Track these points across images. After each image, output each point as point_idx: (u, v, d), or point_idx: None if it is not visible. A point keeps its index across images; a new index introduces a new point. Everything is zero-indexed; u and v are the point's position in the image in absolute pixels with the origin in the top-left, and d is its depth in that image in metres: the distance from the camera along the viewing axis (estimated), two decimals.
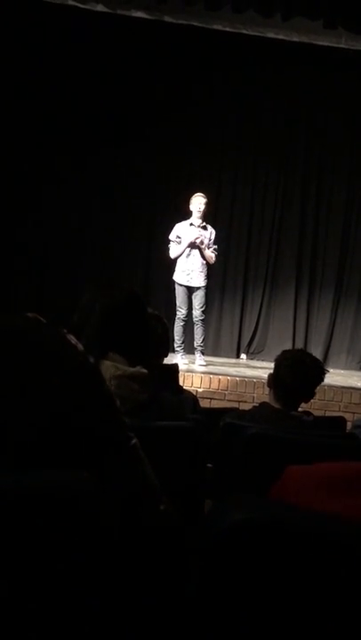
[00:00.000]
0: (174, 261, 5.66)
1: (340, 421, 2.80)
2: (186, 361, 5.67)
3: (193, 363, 5.74)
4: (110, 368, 1.39)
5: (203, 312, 5.69)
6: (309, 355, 2.51)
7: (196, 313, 5.66)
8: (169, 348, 2.39)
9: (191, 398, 2.47)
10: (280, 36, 6.21)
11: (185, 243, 5.55)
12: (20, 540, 0.59)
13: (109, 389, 0.84)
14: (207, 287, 5.74)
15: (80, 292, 1.59)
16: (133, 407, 1.37)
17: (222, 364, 6.23)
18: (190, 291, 5.65)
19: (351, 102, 7.11)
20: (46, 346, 0.78)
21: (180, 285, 5.63)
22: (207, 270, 5.70)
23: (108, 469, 0.78)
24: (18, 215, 6.60)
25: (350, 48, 6.26)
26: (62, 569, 0.59)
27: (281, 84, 7.02)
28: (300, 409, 2.42)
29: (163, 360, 2.35)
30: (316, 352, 6.68)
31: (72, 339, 0.81)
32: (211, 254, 5.66)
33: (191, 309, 5.67)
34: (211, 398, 4.96)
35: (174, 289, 5.78)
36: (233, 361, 6.73)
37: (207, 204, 5.71)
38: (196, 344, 5.81)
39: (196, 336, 5.77)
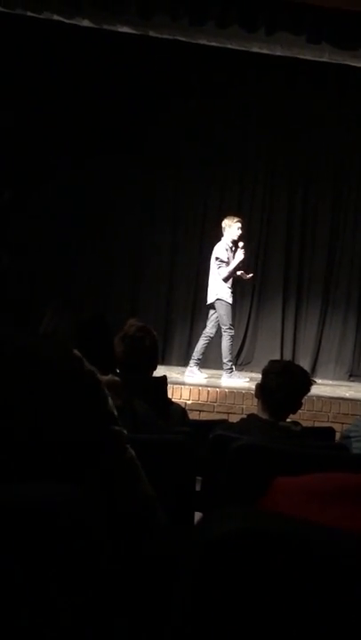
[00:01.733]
0: (225, 281, 5.90)
1: (330, 432, 2.81)
2: (243, 378, 5.80)
3: (248, 380, 5.77)
4: None
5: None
6: (296, 365, 2.52)
7: (213, 330, 5.94)
8: (158, 361, 2.38)
9: (180, 410, 2.46)
10: (264, 51, 6.28)
11: (234, 264, 5.85)
12: (7, 553, 0.59)
13: (111, 405, 0.86)
14: None
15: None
16: None
17: (211, 376, 6.23)
18: (232, 309, 5.97)
19: (337, 114, 7.21)
20: (53, 361, 0.80)
21: (229, 304, 5.88)
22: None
23: (105, 481, 0.79)
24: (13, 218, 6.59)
25: (334, 62, 6.35)
26: (51, 579, 0.58)
27: (266, 97, 7.11)
28: (288, 419, 2.42)
29: (152, 372, 2.34)
30: (305, 363, 6.70)
31: (77, 354, 0.83)
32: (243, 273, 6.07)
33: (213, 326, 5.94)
34: (200, 410, 4.95)
35: (210, 307, 6.02)
36: (221, 372, 6.73)
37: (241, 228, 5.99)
38: (195, 356, 6.00)
39: (199, 349, 6.00)
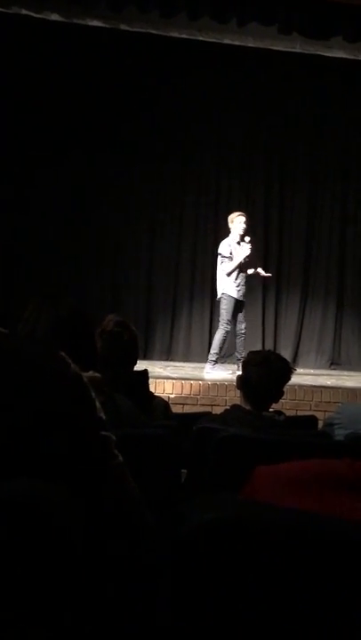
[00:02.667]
0: (215, 276, 5.97)
1: (312, 420, 2.82)
2: (227, 371, 5.82)
3: (234, 373, 5.79)
4: None
5: (246, 323, 6.02)
6: (276, 354, 2.53)
7: (243, 325, 5.95)
8: (137, 355, 2.37)
9: (162, 404, 2.46)
10: (236, 42, 6.28)
11: (238, 259, 5.80)
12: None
13: (99, 409, 0.86)
14: None
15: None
16: None
17: (193, 369, 6.23)
18: (238, 304, 5.89)
19: (313, 108, 7.25)
20: (38, 365, 0.79)
21: (235, 299, 5.84)
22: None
23: (93, 487, 0.79)
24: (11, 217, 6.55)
25: (306, 53, 6.37)
26: (28, 577, 0.57)
27: (241, 89, 7.10)
28: (271, 409, 2.43)
29: (132, 367, 2.33)
30: (286, 353, 6.74)
31: (66, 358, 0.83)
32: (262, 272, 6.13)
33: (236, 322, 5.92)
34: (183, 404, 4.94)
35: (215, 302, 6.09)
36: (203, 365, 6.74)
37: (246, 222, 5.97)
38: (239, 356, 5.87)
39: (238, 347, 5.96)
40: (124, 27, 6.16)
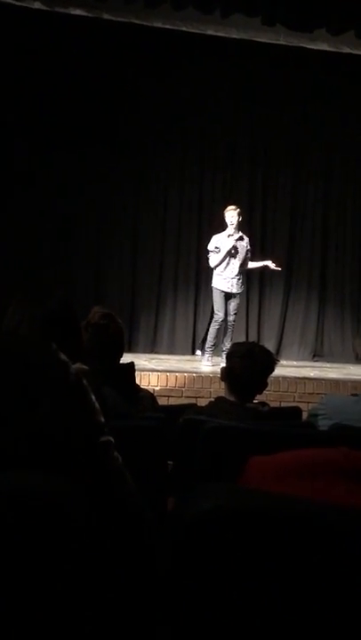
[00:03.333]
0: (208, 270, 6.05)
1: (296, 411, 2.85)
2: (210, 363, 5.90)
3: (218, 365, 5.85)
4: None
5: (235, 317, 6.07)
6: (259, 346, 2.56)
7: (231, 318, 6.02)
8: (123, 347, 2.37)
9: (148, 396, 2.46)
10: (220, 33, 6.25)
11: (223, 252, 5.88)
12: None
13: (98, 411, 0.86)
14: (241, 294, 6.17)
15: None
16: None
17: (178, 361, 6.24)
18: (228, 297, 5.97)
19: (297, 99, 7.25)
20: (36, 362, 0.80)
21: (221, 291, 5.95)
22: (244, 278, 6.12)
23: (87, 472, 0.79)
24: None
25: (290, 45, 6.37)
26: (44, 568, 0.58)
27: (224, 81, 7.08)
28: (255, 400, 2.45)
29: (118, 359, 2.33)
30: (269, 345, 6.77)
31: (61, 355, 0.83)
32: (254, 264, 6.14)
33: (226, 314, 5.99)
34: (168, 396, 4.96)
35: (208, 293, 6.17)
36: (188, 357, 6.76)
37: (240, 214, 6.02)
38: (224, 347, 5.96)
39: (225, 339, 6.02)
40: (107, 16, 6.10)
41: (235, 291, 5.96)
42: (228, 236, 5.91)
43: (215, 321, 6.02)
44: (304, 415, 2.99)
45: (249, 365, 2.33)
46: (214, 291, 6.00)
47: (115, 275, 7.06)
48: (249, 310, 7.34)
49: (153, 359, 6.34)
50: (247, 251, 6.03)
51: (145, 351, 6.88)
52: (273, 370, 2.45)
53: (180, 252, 7.19)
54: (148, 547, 0.77)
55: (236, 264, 5.93)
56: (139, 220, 7.14)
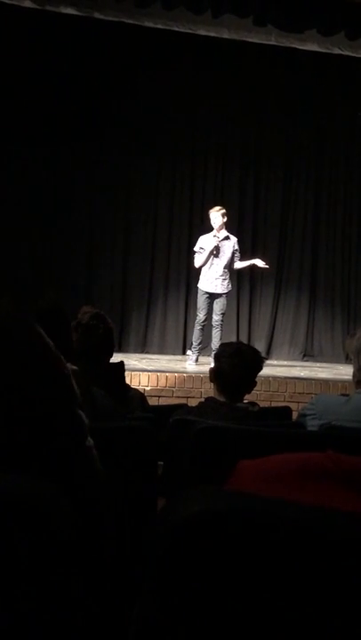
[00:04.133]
0: (198, 270, 6.03)
1: (286, 411, 2.86)
2: (193, 363, 5.94)
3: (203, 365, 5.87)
4: None
5: (221, 317, 6.02)
6: (247, 345, 2.56)
7: (217, 317, 5.99)
8: (113, 348, 2.36)
9: (138, 396, 2.46)
10: (211, 34, 6.25)
11: (207, 252, 5.89)
12: None
13: (73, 386, 0.84)
14: (228, 294, 6.11)
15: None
16: None
17: (168, 361, 6.24)
18: (213, 297, 5.97)
19: (288, 99, 7.27)
20: (12, 339, 0.77)
21: (204, 292, 5.96)
22: (229, 278, 6.06)
23: (64, 468, 0.77)
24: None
25: (280, 45, 6.38)
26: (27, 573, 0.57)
27: (215, 81, 7.09)
28: (246, 400, 2.45)
29: (108, 359, 2.32)
30: (260, 345, 6.81)
31: (41, 331, 0.80)
32: (239, 263, 6.10)
33: (210, 314, 6.00)
34: (159, 396, 4.95)
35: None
36: (179, 357, 6.76)
37: (225, 215, 6.01)
38: (213, 347, 5.93)
39: (213, 339, 6.00)
40: (98, 15, 6.07)
41: (219, 291, 5.94)
42: (214, 236, 5.92)
43: (197, 322, 6.04)
44: (294, 415, 3.00)
45: (237, 365, 2.33)
46: (198, 291, 6.03)
47: (106, 274, 7.05)
48: (239, 310, 7.35)
49: (143, 359, 6.33)
50: (234, 251, 6.01)
51: (136, 351, 6.87)
52: (261, 368, 2.45)
53: (171, 253, 7.19)
54: (106, 540, 0.76)
55: (220, 264, 5.91)
56: (130, 220, 7.13)
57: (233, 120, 7.32)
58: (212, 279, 5.91)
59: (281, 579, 0.50)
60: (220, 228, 5.92)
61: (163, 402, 4.79)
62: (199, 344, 6.06)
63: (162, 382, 5.12)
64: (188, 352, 6.46)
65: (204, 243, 5.94)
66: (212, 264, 5.90)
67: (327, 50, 6.43)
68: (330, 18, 5.79)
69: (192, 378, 5.19)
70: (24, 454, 0.74)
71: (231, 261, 5.99)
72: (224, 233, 5.95)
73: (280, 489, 0.64)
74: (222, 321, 6.05)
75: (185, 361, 6.45)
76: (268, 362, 2.84)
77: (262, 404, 3.16)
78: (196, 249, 6.02)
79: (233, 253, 6.00)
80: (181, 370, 5.60)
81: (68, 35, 6.42)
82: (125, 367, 2.46)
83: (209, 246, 5.88)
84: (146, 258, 7.17)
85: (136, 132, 6.96)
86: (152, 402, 3.98)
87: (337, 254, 7.66)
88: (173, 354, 6.93)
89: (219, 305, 5.96)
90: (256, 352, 2.47)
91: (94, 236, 6.99)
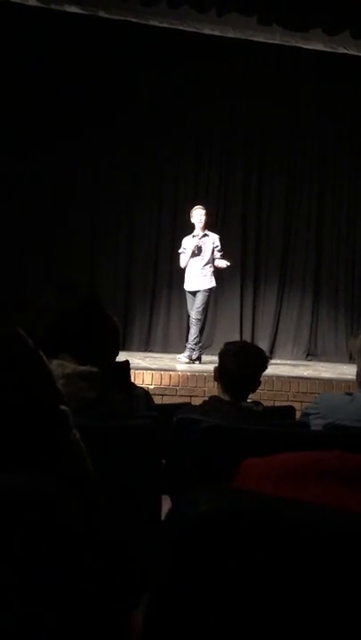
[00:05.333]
0: (184, 271, 6.03)
1: (290, 410, 2.85)
2: (185, 359, 5.97)
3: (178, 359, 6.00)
4: (58, 367, 1.37)
5: (199, 312, 5.98)
6: (251, 344, 2.56)
7: (193, 313, 5.99)
8: (119, 346, 2.37)
9: (143, 394, 2.46)
10: (216, 32, 6.25)
11: (188, 252, 5.93)
12: None
13: (55, 382, 0.84)
14: (210, 290, 6.04)
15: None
16: (81, 406, 1.36)
17: (172, 360, 6.24)
18: (194, 294, 5.98)
19: (294, 96, 7.26)
20: None
21: (187, 292, 6.02)
22: (210, 275, 5.99)
23: (51, 462, 0.78)
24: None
25: (285, 44, 6.37)
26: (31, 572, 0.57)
27: (220, 79, 7.08)
28: (249, 399, 2.45)
29: (114, 358, 2.32)
30: (263, 344, 6.80)
31: (20, 331, 0.80)
32: (221, 261, 6.02)
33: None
34: (162, 395, 4.96)
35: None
36: (179, 356, 6.75)
37: (207, 215, 6.03)
38: (187, 342, 6.09)
39: (189, 335, 6.06)
40: (102, 14, 6.08)
41: (198, 287, 5.93)
42: (193, 236, 5.95)
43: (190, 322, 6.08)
44: (298, 414, 2.99)
45: (242, 364, 2.32)
46: (185, 292, 6.07)
47: (109, 273, 7.05)
48: (243, 309, 7.35)
49: (147, 357, 6.34)
50: (214, 247, 5.98)
51: (139, 350, 6.88)
52: (266, 368, 2.45)
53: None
54: (97, 533, 0.76)
55: (198, 262, 5.93)
56: (133, 219, 7.13)
57: (237, 119, 7.31)
58: (192, 277, 5.95)
59: (288, 578, 0.50)
60: (202, 227, 5.93)
61: (166, 400, 4.79)
62: (196, 344, 6.07)
63: (165, 381, 5.13)
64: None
65: (186, 243, 5.99)
66: (191, 263, 5.94)
67: (332, 49, 6.42)
68: (335, 17, 5.78)
69: (195, 377, 5.19)
70: (7, 451, 0.74)
71: (212, 258, 5.97)
72: (202, 232, 5.94)
73: (286, 487, 0.64)
74: (199, 318, 5.99)
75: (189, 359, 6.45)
76: (271, 361, 2.84)
77: (266, 404, 3.16)
78: (180, 250, 6.07)
79: (213, 250, 5.98)
80: (185, 368, 5.60)
81: (72, 33, 6.42)
82: (130, 365, 2.45)
83: (190, 246, 5.92)
84: (149, 257, 7.17)
85: (140, 131, 6.96)
86: (156, 400, 3.98)
87: (341, 254, 7.65)
88: (177, 352, 6.92)
89: (198, 300, 5.94)
90: (261, 351, 2.47)
91: (98, 234, 6.99)
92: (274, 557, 0.49)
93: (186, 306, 6.24)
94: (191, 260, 5.91)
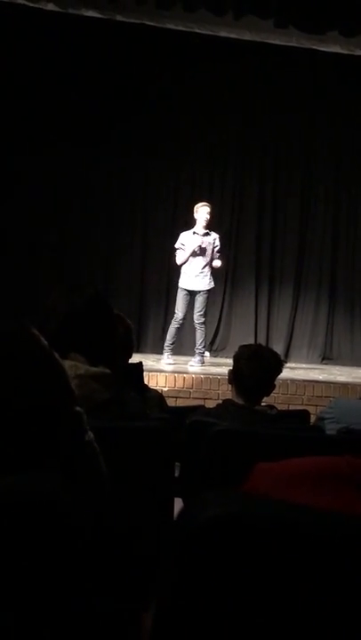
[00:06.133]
0: (179, 268, 5.90)
1: (305, 414, 2.84)
2: (171, 361, 5.87)
3: (186, 363, 5.91)
4: (71, 368, 1.38)
5: (201, 315, 5.88)
6: (266, 348, 2.54)
7: (197, 316, 5.87)
8: (133, 348, 2.38)
9: (157, 397, 2.46)
10: (232, 35, 6.25)
11: (189, 250, 5.76)
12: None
13: (69, 383, 0.84)
14: (210, 292, 5.97)
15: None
16: (94, 407, 1.36)
17: (186, 362, 6.24)
18: (192, 295, 5.86)
19: (309, 100, 7.24)
20: (6, 337, 0.77)
21: (183, 290, 5.85)
22: (210, 275, 5.90)
23: (65, 464, 0.78)
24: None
25: (302, 47, 6.35)
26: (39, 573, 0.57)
27: (236, 82, 7.09)
28: (263, 403, 2.44)
29: (127, 360, 2.34)
30: (278, 347, 6.77)
31: (34, 331, 0.80)
32: (217, 261, 5.92)
33: (189, 313, 5.89)
34: (176, 397, 4.96)
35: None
36: (196, 359, 6.74)
37: (211, 213, 5.90)
38: (195, 347, 5.98)
39: (196, 339, 5.95)
40: (119, 17, 6.11)
41: (199, 288, 5.81)
42: (194, 233, 5.80)
43: (174, 320, 5.92)
44: (312, 419, 2.98)
45: (256, 367, 2.32)
46: (179, 289, 5.88)
47: (124, 275, 7.08)
48: (258, 312, 7.33)
49: (161, 359, 6.34)
50: (214, 247, 5.86)
51: (153, 351, 6.89)
52: (280, 371, 2.43)
53: None
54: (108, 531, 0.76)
55: (200, 261, 5.79)
56: (148, 220, 7.15)
57: (253, 121, 7.30)
58: (192, 276, 5.79)
59: (296, 584, 0.50)
60: (205, 226, 5.81)
61: (180, 403, 4.79)
62: (172, 343, 5.96)
63: (179, 383, 5.13)
64: (207, 353, 6.40)
65: (185, 239, 5.81)
66: (191, 261, 5.78)
67: (349, 51, 6.39)
68: (352, 19, 5.74)
69: (209, 379, 5.19)
70: (22, 453, 0.74)
71: (211, 258, 5.87)
72: (204, 230, 5.83)
73: (296, 492, 0.64)
74: (203, 320, 5.91)
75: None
76: (286, 364, 2.82)
77: (280, 407, 3.15)
78: (177, 245, 5.87)
79: (213, 250, 5.87)
80: (199, 371, 5.60)
81: (89, 37, 6.46)
82: (143, 367, 2.46)
83: (191, 244, 5.76)
84: (164, 258, 7.18)
85: (156, 134, 6.98)
86: (169, 402, 3.98)
87: (357, 256, 7.59)
88: (191, 355, 6.92)
89: (198, 302, 5.84)
90: (276, 355, 2.45)
91: (112, 235, 7.02)
92: (283, 563, 0.49)
93: (211, 306, 6.09)
94: (191, 258, 5.76)
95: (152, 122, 6.93)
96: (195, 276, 5.80)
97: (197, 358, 5.96)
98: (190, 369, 5.71)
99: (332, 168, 7.51)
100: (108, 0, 5.67)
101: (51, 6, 5.89)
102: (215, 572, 0.48)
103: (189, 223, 6.14)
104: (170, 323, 7.15)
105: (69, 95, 6.63)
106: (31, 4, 5.85)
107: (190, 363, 5.95)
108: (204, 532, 0.47)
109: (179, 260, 5.84)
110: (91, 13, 6.03)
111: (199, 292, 5.83)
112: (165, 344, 6.00)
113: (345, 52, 6.40)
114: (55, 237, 6.75)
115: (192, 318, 5.92)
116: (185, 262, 5.80)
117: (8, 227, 6.56)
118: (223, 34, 6.25)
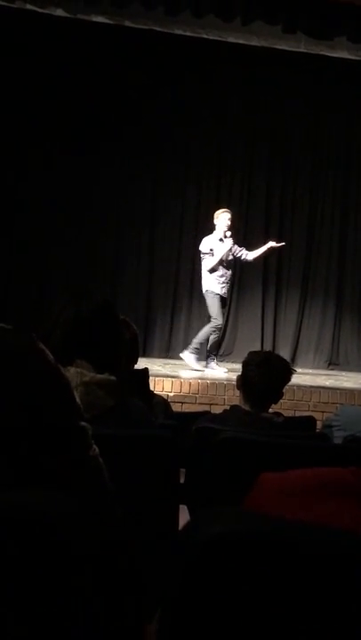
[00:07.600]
0: (210, 272, 5.82)
1: (311, 421, 2.83)
2: (224, 368, 5.84)
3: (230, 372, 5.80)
4: (77, 375, 1.38)
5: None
6: (276, 355, 2.53)
7: (219, 319, 5.89)
8: (138, 354, 2.37)
9: (162, 403, 2.46)
10: (240, 41, 6.27)
11: (218, 256, 5.76)
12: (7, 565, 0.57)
13: (75, 398, 0.83)
14: None
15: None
16: (99, 414, 1.36)
17: (192, 368, 6.22)
18: (224, 301, 5.89)
19: (314, 104, 7.24)
20: (11, 353, 0.77)
21: (217, 295, 5.82)
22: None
23: (69, 480, 0.77)
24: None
25: (310, 52, 6.36)
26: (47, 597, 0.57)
27: (244, 87, 7.10)
28: (270, 410, 2.43)
29: (133, 366, 2.33)
30: (285, 353, 6.75)
31: (41, 345, 0.80)
32: (256, 252, 5.97)
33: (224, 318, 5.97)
34: (182, 402, 4.95)
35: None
36: (203, 363, 6.74)
37: (231, 219, 5.91)
38: (209, 352, 5.98)
39: (211, 344, 5.93)
40: (128, 23, 6.14)
41: (226, 294, 5.92)
42: (220, 239, 5.79)
43: (215, 327, 5.83)
44: (319, 425, 2.96)
45: (265, 374, 2.30)
46: (211, 295, 5.80)
47: (130, 280, 7.09)
48: (264, 317, 7.32)
49: (167, 364, 6.34)
50: (230, 249, 5.82)
51: (160, 356, 6.88)
52: (289, 380, 2.42)
53: (196, 258, 7.17)
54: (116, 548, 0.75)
55: (228, 266, 5.86)
56: (155, 224, 7.16)
57: (261, 126, 7.31)
58: (224, 283, 5.83)
59: (300, 603, 0.49)
60: (226, 231, 5.82)
61: (186, 408, 4.78)
62: (217, 350, 6.04)
63: (185, 389, 5.12)
64: (194, 353, 6.26)
65: (214, 245, 5.80)
66: (224, 267, 5.81)
67: (357, 57, 6.39)
68: (360, 24, 5.74)
69: (215, 385, 5.18)
70: (26, 469, 0.74)
71: (232, 261, 5.90)
72: (229, 237, 5.84)
73: (301, 504, 0.63)
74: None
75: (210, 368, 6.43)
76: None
77: (286, 413, 3.14)
78: (205, 250, 5.81)
79: (234, 252, 5.88)
80: (205, 376, 5.58)
81: (98, 43, 6.50)
82: (149, 373, 2.46)
83: (220, 249, 5.77)
84: (171, 263, 7.19)
85: (164, 138, 7.00)
86: (175, 408, 3.97)
87: None
88: (198, 360, 6.91)
89: (224, 308, 5.98)
90: (285, 363, 2.43)
91: (120, 240, 7.03)
92: (286, 581, 0.48)
93: (207, 311, 6.06)
94: (223, 264, 5.80)
95: (160, 126, 6.95)
96: (226, 283, 5.86)
97: (214, 362, 5.98)
98: (197, 374, 5.68)
99: (341, 173, 7.50)
100: (117, 6, 5.70)
101: (60, 12, 5.93)
102: (216, 589, 0.48)
103: (198, 229, 6.14)
104: (176, 327, 7.15)
105: (77, 100, 6.67)
106: (40, 10, 5.89)
107: (211, 365, 5.91)
108: (206, 550, 0.47)
109: (209, 266, 5.79)
110: (99, 19, 6.06)
111: (226, 298, 5.93)
112: (209, 351, 5.93)
113: (353, 57, 6.40)
114: (61, 242, 6.77)
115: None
116: (215, 268, 5.79)
117: (14, 233, 6.59)
118: (231, 39, 6.27)
